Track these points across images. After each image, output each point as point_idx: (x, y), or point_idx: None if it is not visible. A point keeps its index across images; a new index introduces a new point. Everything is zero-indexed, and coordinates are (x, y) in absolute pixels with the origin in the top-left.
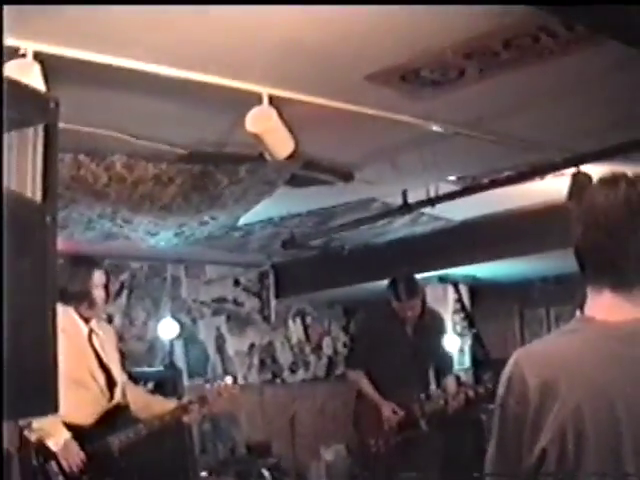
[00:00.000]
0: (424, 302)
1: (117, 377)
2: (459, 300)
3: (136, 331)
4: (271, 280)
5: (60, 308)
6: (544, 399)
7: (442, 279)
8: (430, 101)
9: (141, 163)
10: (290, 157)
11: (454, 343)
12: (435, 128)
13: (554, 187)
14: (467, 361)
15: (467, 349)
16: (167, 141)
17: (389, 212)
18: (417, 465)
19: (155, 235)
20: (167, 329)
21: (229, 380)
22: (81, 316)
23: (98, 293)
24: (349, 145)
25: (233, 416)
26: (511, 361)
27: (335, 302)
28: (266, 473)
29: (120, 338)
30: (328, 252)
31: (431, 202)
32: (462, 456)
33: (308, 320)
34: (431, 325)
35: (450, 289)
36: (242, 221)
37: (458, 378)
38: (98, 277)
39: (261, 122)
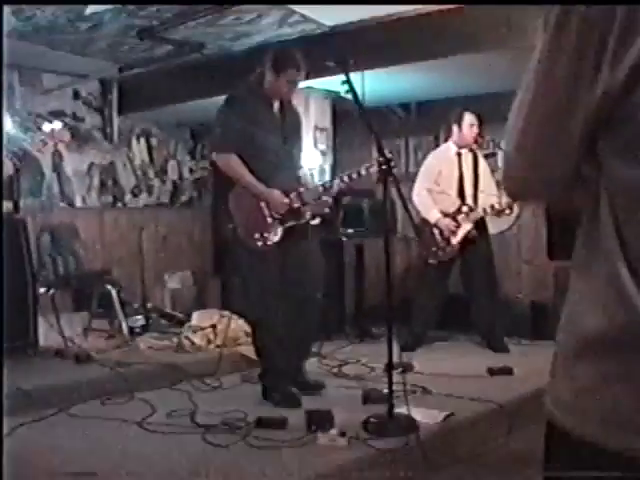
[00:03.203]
0: None
1: None
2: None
3: None
4: (114, 94)
5: None
6: None
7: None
8: None
9: None
10: None
11: (315, 160)
12: None
13: None
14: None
15: (328, 168)
16: None
17: None
18: (301, 259)
19: None
20: None
21: (58, 125)
22: None
23: None
24: None
25: (74, 229)
26: None
27: (183, 124)
28: (111, 289)
29: None
30: (180, 63)
31: None
32: None
33: (153, 142)
34: (295, 113)
35: (313, 102)
36: (90, 9)
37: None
38: None
39: None
